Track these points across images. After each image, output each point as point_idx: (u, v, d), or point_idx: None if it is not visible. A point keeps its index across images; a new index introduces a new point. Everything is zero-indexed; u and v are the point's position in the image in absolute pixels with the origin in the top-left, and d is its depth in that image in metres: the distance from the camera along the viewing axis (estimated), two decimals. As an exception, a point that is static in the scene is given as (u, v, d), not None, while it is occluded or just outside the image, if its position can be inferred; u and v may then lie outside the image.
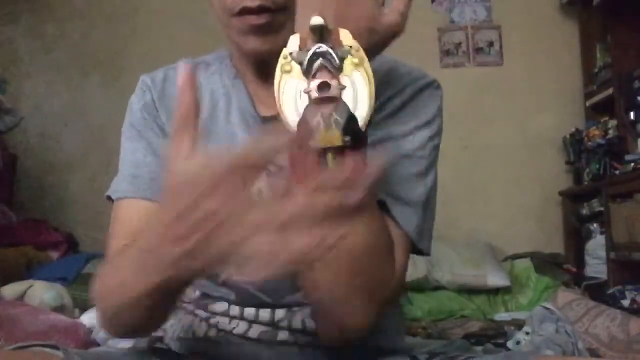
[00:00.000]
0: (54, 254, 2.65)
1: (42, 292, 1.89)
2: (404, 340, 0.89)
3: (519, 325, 1.93)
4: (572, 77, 3.23)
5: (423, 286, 2.53)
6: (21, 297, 1.90)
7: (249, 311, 0.78)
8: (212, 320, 0.80)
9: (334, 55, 0.55)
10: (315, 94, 0.54)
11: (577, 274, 2.85)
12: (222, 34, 0.79)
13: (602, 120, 2.88)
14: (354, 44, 0.56)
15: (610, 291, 2.41)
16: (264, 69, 0.76)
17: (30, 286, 1.93)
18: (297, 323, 0.77)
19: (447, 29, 3.32)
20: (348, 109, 0.54)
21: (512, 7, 3.29)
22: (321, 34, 0.55)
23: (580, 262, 2.94)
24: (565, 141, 3.15)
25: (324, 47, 0.54)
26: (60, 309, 1.88)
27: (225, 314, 0.79)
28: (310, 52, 0.54)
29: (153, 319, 0.65)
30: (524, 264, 2.72)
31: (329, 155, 0.52)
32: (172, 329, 0.86)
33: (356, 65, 0.55)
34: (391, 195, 0.72)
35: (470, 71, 3.28)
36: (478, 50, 3.31)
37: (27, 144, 3.31)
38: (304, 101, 0.55)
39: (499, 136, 3.20)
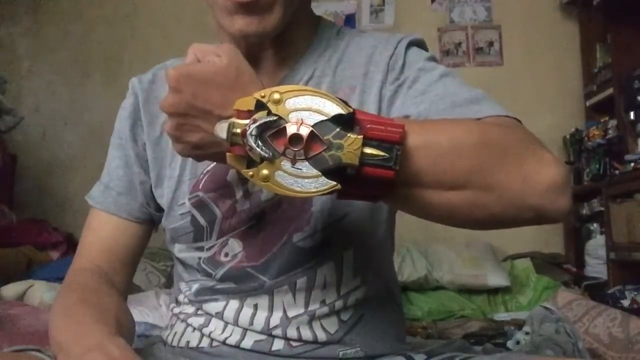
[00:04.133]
0: (54, 254, 2.65)
1: (42, 292, 1.89)
2: (404, 343, 0.89)
3: (519, 325, 1.93)
4: (572, 77, 3.23)
5: (423, 286, 2.53)
6: (21, 297, 1.90)
7: (244, 316, 0.77)
8: (205, 330, 0.79)
9: (263, 122, 0.53)
10: (294, 150, 0.53)
11: (577, 274, 2.84)
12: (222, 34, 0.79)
13: (602, 120, 2.88)
14: (255, 96, 0.54)
15: (610, 291, 2.41)
16: (252, 54, 0.76)
17: (30, 286, 1.92)
18: (292, 332, 0.76)
19: (447, 29, 3.32)
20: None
21: (512, 7, 3.29)
22: (230, 132, 0.54)
23: (580, 262, 2.94)
24: (565, 141, 3.15)
25: (252, 129, 0.52)
26: (60, 309, 1.88)
27: (219, 316, 0.79)
28: (255, 147, 0.52)
29: None
30: (524, 264, 2.72)
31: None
32: (164, 337, 0.86)
33: (279, 100, 0.53)
34: (462, 115, 0.69)
35: (470, 71, 3.28)
36: (478, 50, 3.31)
37: (27, 144, 3.31)
38: (306, 171, 0.53)
39: (499, 136, 3.19)
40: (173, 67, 0.58)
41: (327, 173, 0.53)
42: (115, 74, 3.23)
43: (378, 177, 0.53)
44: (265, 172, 0.53)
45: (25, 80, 3.37)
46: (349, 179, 0.53)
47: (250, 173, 0.54)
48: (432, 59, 0.80)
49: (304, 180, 0.53)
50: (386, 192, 0.56)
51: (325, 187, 0.53)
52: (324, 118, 0.53)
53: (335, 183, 0.53)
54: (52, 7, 3.40)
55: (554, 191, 0.58)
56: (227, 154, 0.55)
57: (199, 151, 0.61)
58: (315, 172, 0.53)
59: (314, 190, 0.53)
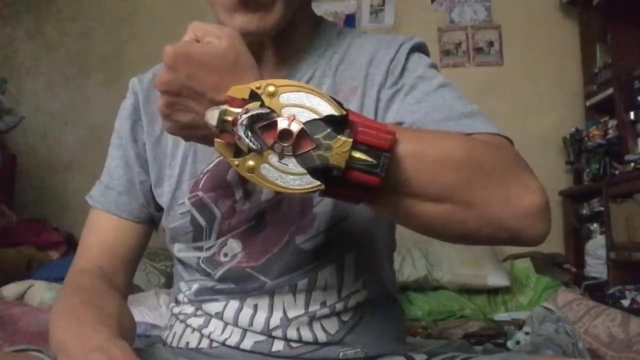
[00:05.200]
0: (54, 254, 2.65)
1: (42, 292, 1.89)
2: (405, 343, 0.88)
3: (519, 325, 1.92)
4: (572, 77, 3.23)
5: (423, 286, 2.53)
6: (21, 297, 1.90)
7: (244, 317, 0.77)
8: (205, 331, 0.79)
9: (255, 113, 0.53)
10: (283, 145, 0.53)
11: (577, 274, 2.84)
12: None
13: (602, 120, 2.88)
14: (250, 86, 0.54)
15: (610, 291, 2.41)
16: (253, 54, 0.77)
17: (30, 286, 1.93)
18: (292, 333, 0.76)
19: (447, 29, 3.32)
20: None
21: (512, 7, 3.29)
22: (221, 119, 0.54)
23: (580, 262, 2.94)
24: (565, 141, 3.15)
25: (243, 119, 0.52)
26: (60, 309, 1.88)
27: (219, 316, 0.79)
28: (243, 137, 0.52)
29: None
30: (524, 264, 2.72)
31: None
32: (164, 337, 0.86)
33: (273, 93, 0.53)
34: (454, 127, 0.69)
35: (470, 71, 3.28)
36: (478, 50, 3.31)
37: (27, 144, 3.31)
38: (289, 166, 0.53)
39: (499, 136, 3.19)
40: (171, 45, 0.57)
41: (313, 172, 0.53)
42: (115, 74, 3.23)
43: (363, 182, 0.54)
44: (251, 163, 0.53)
45: (25, 80, 3.37)
46: (334, 180, 0.53)
47: (236, 162, 0.54)
48: (433, 66, 0.80)
49: (288, 177, 0.53)
50: (369, 196, 0.56)
51: (308, 186, 0.53)
52: (316, 117, 0.53)
53: (319, 183, 0.53)
54: (52, 7, 3.40)
55: (534, 217, 0.59)
56: (216, 139, 0.55)
57: (187, 131, 0.61)
58: (301, 169, 0.53)
59: (297, 187, 0.53)
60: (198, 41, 0.60)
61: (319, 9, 0.81)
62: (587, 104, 3.11)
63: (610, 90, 2.83)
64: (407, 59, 0.79)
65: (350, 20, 3.34)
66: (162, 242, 0.89)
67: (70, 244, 2.75)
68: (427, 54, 0.83)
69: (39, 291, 1.90)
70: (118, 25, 3.38)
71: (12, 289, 1.92)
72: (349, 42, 0.83)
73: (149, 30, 3.31)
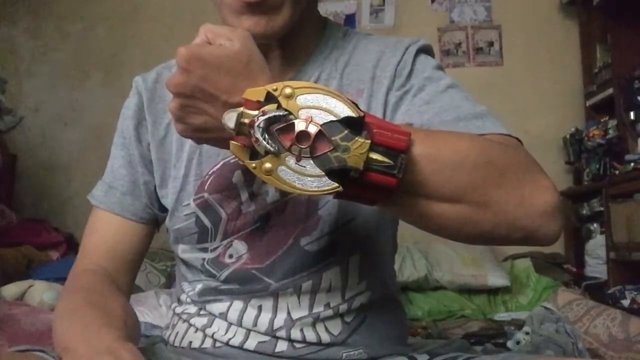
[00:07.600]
0: (54, 254, 2.65)
1: (42, 292, 1.89)
2: (406, 345, 0.89)
3: (519, 325, 1.93)
4: (572, 77, 3.23)
5: (423, 286, 2.53)
6: (21, 297, 1.90)
7: (248, 317, 0.77)
8: (208, 331, 0.79)
9: (272, 115, 0.52)
10: (300, 147, 0.53)
11: (577, 274, 2.84)
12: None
13: (602, 120, 2.88)
14: (267, 88, 0.54)
15: (610, 291, 2.41)
16: None
17: (30, 286, 1.92)
18: (296, 334, 0.76)
19: (447, 29, 3.32)
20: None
21: (512, 7, 3.29)
22: (238, 121, 0.54)
23: (580, 262, 2.94)
24: (565, 141, 3.15)
25: (260, 121, 0.52)
26: (60, 309, 1.88)
27: (223, 317, 0.79)
28: (261, 139, 0.52)
29: None
30: (524, 264, 2.72)
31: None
32: (166, 336, 0.86)
33: (290, 95, 0.53)
34: (463, 128, 0.69)
35: (470, 71, 3.28)
36: (478, 50, 3.31)
37: (27, 144, 3.31)
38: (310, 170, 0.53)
39: (499, 136, 3.20)
40: (184, 46, 0.57)
41: (330, 174, 0.53)
42: (115, 74, 3.23)
43: (380, 183, 0.54)
44: (268, 165, 0.53)
45: (25, 80, 3.37)
46: (351, 181, 0.53)
47: (253, 165, 0.54)
48: (439, 68, 0.80)
49: (306, 178, 0.53)
50: (385, 197, 0.56)
51: (326, 188, 0.53)
52: (334, 119, 0.53)
53: (337, 185, 0.53)
54: (52, 7, 3.40)
55: (547, 216, 0.60)
56: (232, 142, 0.55)
57: (200, 134, 0.60)
58: (318, 171, 0.53)
59: (315, 189, 0.53)
60: (210, 43, 0.59)
61: (319, 9, 0.81)
62: (587, 104, 3.11)
63: (610, 90, 2.83)
64: (414, 61, 0.79)
65: (350, 20, 3.33)
66: (162, 242, 0.89)
67: (70, 244, 2.74)
68: (433, 56, 0.83)
69: (39, 291, 1.90)
70: (118, 25, 3.37)
71: (12, 289, 1.92)
72: (354, 43, 0.83)
73: (149, 30, 3.31)
